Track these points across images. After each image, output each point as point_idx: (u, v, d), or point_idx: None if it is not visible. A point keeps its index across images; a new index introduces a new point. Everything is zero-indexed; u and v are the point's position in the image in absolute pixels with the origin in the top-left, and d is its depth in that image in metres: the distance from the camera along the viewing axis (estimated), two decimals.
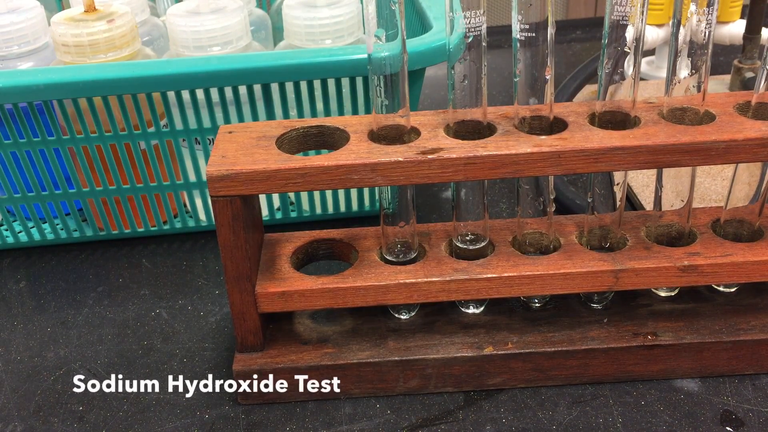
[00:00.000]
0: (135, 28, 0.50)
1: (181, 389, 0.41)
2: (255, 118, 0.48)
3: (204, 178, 0.51)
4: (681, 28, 0.34)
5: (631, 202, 0.54)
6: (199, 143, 0.50)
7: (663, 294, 0.42)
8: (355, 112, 0.49)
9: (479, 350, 0.39)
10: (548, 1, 0.33)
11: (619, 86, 0.36)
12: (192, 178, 0.51)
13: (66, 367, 0.43)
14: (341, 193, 0.54)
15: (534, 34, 0.34)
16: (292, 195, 0.55)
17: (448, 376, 0.40)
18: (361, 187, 0.36)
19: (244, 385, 0.39)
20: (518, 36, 0.34)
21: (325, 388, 0.40)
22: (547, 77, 0.35)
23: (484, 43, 0.35)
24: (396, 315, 0.42)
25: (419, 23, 0.52)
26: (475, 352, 0.39)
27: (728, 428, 0.37)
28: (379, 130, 0.37)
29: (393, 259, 0.40)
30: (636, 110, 0.37)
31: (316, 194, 0.54)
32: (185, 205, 0.54)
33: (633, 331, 0.40)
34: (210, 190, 0.35)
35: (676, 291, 0.42)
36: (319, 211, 0.55)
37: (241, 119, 0.48)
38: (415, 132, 0.37)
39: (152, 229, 0.54)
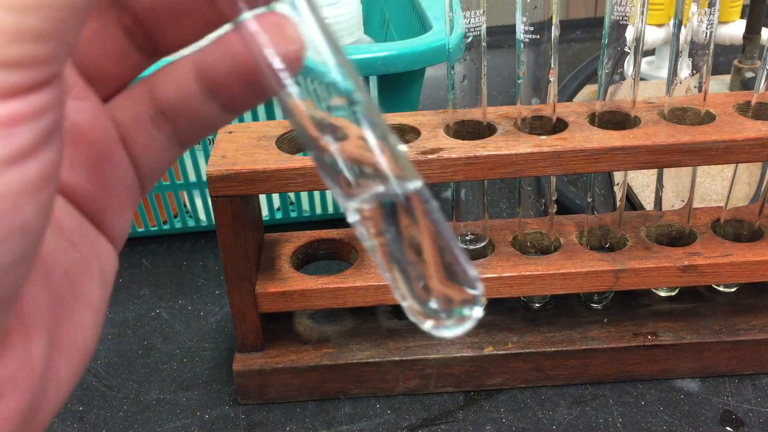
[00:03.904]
0: None
1: (181, 389, 0.41)
2: (255, 118, 0.48)
3: (204, 178, 0.51)
4: (682, 28, 0.34)
5: (631, 202, 0.54)
6: (199, 143, 0.50)
7: (663, 294, 0.42)
8: None
9: (479, 350, 0.39)
10: (553, 3, 0.33)
11: (619, 86, 0.36)
12: (192, 178, 0.51)
13: None
14: None
15: (538, 36, 0.34)
16: (292, 195, 0.55)
17: (448, 376, 0.40)
18: None
19: (245, 385, 0.39)
20: (522, 38, 0.34)
21: (325, 388, 0.40)
22: (551, 79, 0.35)
23: (483, 43, 0.35)
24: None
25: (419, 23, 0.52)
26: (475, 352, 0.39)
27: (728, 428, 0.37)
28: None
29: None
30: (636, 110, 0.37)
31: (316, 194, 0.54)
32: (185, 205, 0.54)
33: (633, 331, 0.40)
34: (210, 190, 0.35)
35: (676, 291, 0.42)
36: (319, 211, 0.55)
37: (241, 119, 0.48)
38: (415, 132, 0.37)
39: (152, 229, 0.54)
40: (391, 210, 0.16)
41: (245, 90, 0.16)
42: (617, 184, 0.40)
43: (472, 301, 0.16)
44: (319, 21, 0.16)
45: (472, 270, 0.16)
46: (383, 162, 0.16)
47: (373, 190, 0.16)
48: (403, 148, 0.16)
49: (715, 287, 0.42)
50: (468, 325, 0.16)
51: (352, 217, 0.16)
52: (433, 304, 0.16)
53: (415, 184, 0.16)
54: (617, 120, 0.37)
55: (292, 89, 0.16)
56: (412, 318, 0.16)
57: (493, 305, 0.42)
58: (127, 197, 0.18)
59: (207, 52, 0.16)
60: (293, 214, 0.55)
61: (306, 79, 0.16)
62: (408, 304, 0.16)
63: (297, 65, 0.15)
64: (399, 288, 0.17)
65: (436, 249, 0.16)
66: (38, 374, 0.15)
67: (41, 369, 0.15)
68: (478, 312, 0.16)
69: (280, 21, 0.15)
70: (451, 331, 0.16)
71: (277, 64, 0.15)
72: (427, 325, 0.16)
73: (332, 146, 0.16)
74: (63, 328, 0.16)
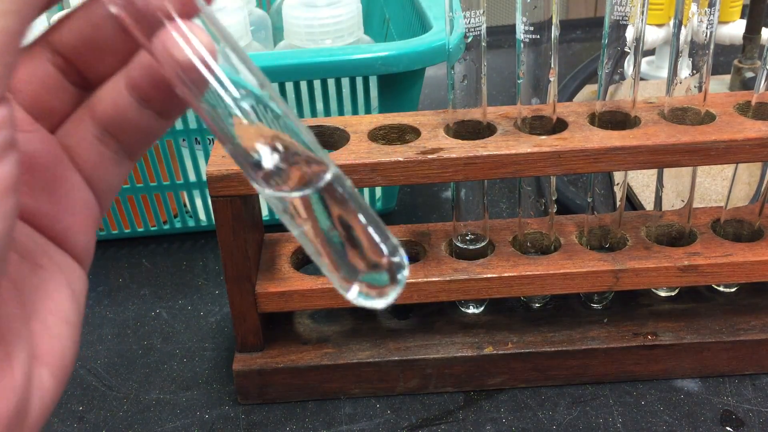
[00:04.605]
0: None
1: (181, 389, 0.41)
2: None
3: (204, 178, 0.51)
4: (682, 28, 0.34)
5: (631, 202, 0.54)
6: (199, 143, 0.50)
7: (663, 294, 0.42)
8: (355, 112, 0.49)
9: (479, 350, 0.39)
10: (553, 3, 0.33)
11: (619, 86, 0.36)
12: (192, 178, 0.51)
13: None
14: None
15: (538, 36, 0.34)
16: None
17: (448, 376, 0.40)
18: (361, 187, 0.36)
19: (245, 385, 0.39)
20: (522, 38, 0.34)
21: (325, 387, 0.40)
22: (551, 79, 0.35)
23: (483, 43, 0.35)
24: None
25: (419, 23, 0.52)
26: (475, 352, 0.39)
27: (728, 428, 0.37)
28: (379, 129, 0.37)
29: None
30: (636, 110, 0.37)
31: None
32: (185, 205, 0.54)
33: (633, 331, 0.40)
34: (210, 190, 0.35)
35: (676, 291, 0.42)
36: None
37: None
38: (415, 132, 0.37)
39: (152, 229, 0.54)
40: (316, 195, 0.17)
41: (170, 96, 0.18)
42: (617, 184, 0.40)
43: (399, 266, 0.18)
44: (218, 28, 0.18)
45: (394, 239, 0.18)
46: (302, 150, 0.17)
47: (296, 179, 0.17)
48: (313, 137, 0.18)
49: (715, 287, 0.42)
50: (398, 290, 0.18)
51: (276, 206, 0.18)
52: (363, 275, 0.18)
53: (333, 168, 0.17)
54: (617, 120, 0.37)
55: (208, 92, 0.17)
56: (343, 291, 0.18)
57: (493, 305, 0.42)
58: (86, 216, 0.20)
59: (134, 67, 0.18)
60: None
61: (217, 81, 0.17)
62: (339, 277, 0.18)
63: (209, 68, 0.17)
64: (330, 265, 0.18)
65: (361, 225, 0.18)
66: (21, 381, 0.16)
67: (23, 376, 0.17)
68: (404, 275, 0.18)
69: (193, 29, 0.17)
70: (383, 299, 0.18)
71: (198, 64, 0.16)
72: (357, 297, 0.18)
73: (252, 140, 0.17)
74: (41, 339, 0.18)
